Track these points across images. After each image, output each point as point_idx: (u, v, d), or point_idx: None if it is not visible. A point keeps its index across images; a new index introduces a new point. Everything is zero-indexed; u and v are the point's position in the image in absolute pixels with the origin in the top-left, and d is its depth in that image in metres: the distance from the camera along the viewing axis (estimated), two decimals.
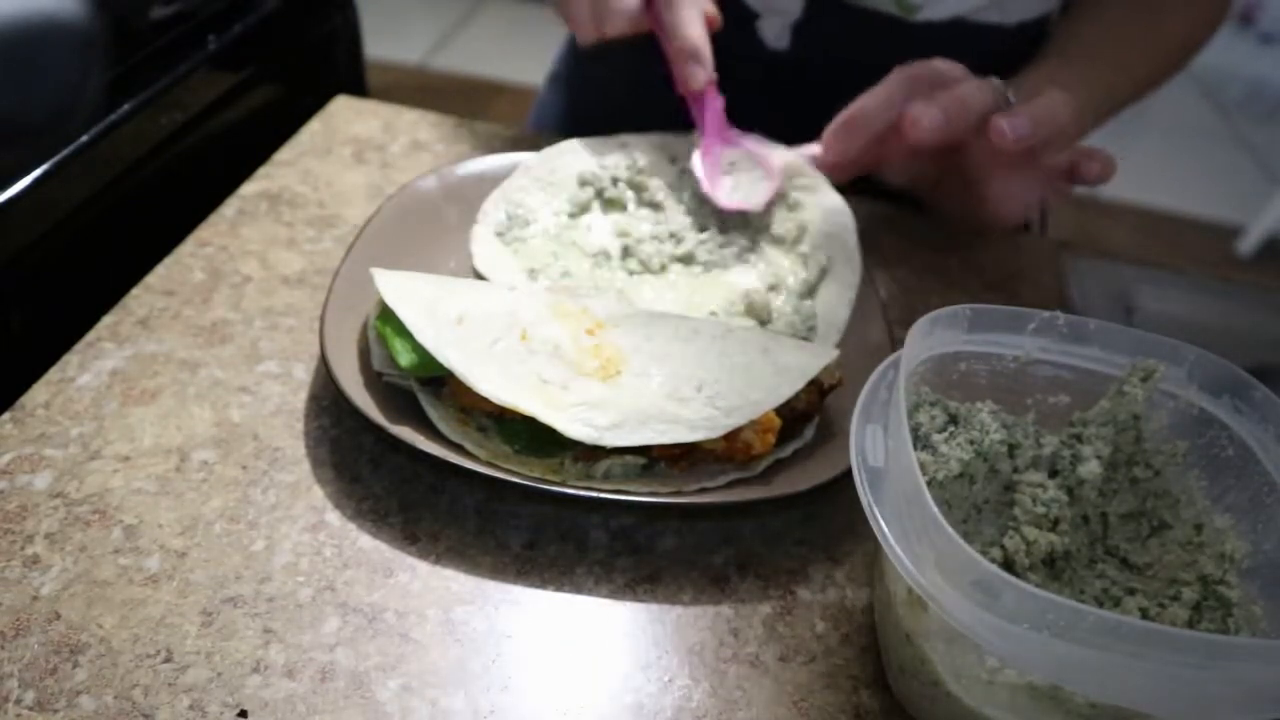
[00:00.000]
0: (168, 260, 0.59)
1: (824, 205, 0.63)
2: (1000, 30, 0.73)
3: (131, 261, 0.58)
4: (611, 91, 0.84)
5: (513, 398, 0.46)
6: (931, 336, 0.42)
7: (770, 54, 0.75)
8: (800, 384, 0.49)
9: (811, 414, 0.51)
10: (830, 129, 0.63)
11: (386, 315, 0.49)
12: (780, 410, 0.48)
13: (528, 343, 0.49)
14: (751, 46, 0.74)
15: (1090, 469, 0.41)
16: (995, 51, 0.69)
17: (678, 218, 0.63)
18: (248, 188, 0.66)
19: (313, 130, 0.72)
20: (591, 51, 0.69)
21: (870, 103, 0.61)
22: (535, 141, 0.73)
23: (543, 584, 0.45)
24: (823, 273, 0.60)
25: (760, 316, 0.58)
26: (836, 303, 0.59)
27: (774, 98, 0.75)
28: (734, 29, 0.70)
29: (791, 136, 0.68)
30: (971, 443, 0.42)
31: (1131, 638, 0.31)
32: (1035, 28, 0.76)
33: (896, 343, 0.55)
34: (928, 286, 0.66)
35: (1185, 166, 2.76)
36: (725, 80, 0.64)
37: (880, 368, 0.42)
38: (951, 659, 0.37)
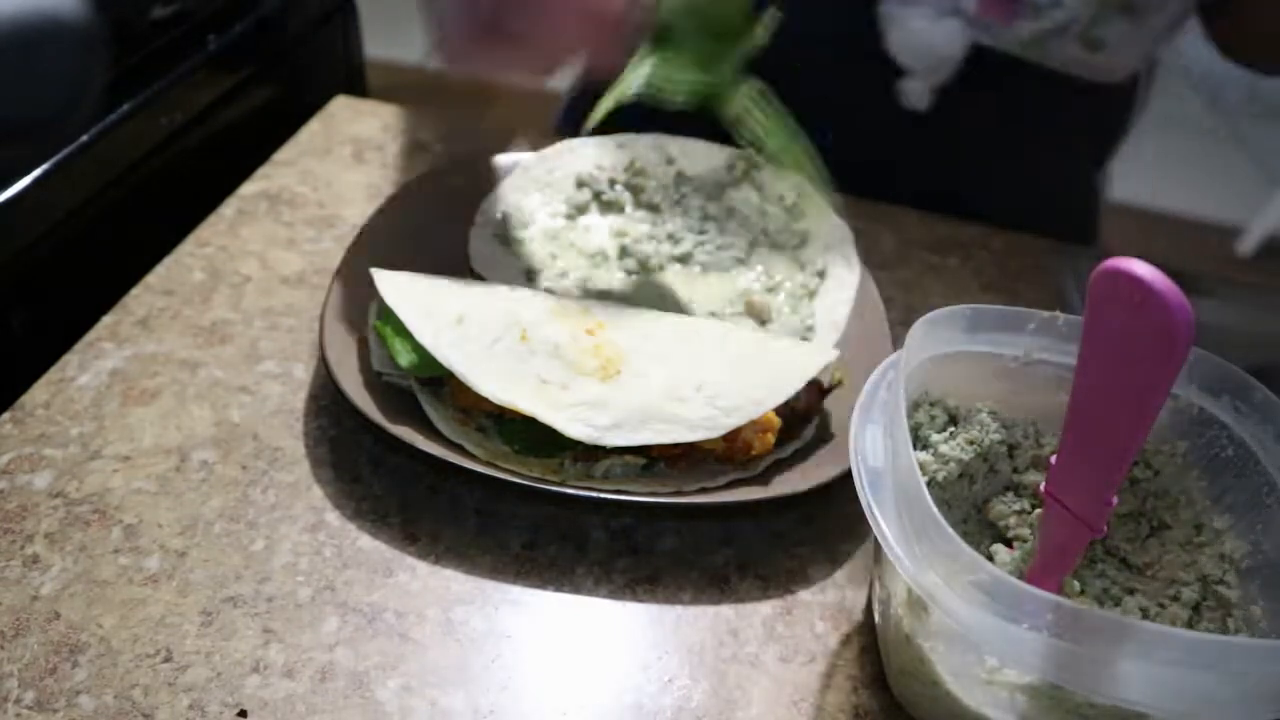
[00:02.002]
0: (168, 260, 0.59)
1: (824, 217, 0.64)
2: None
3: (131, 261, 0.58)
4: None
5: (512, 398, 0.46)
6: (931, 336, 0.42)
7: (905, 114, 0.72)
8: (800, 384, 0.49)
9: (811, 414, 0.51)
10: None
11: (386, 315, 0.49)
12: (780, 410, 0.48)
13: (528, 343, 0.49)
14: (887, 106, 0.72)
15: None
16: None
17: (675, 218, 0.63)
18: (247, 188, 0.66)
19: (312, 130, 0.72)
20: None
21: None
22: (536, 142, 0.73)
23: (542, 584, 0.45)
24: (821, 275, 0.60)
25: (759, 316, 0.58)
26: (836, 303, 0.59)
27: (905, 157, 0.74)
28: (873, 87, 0.69)
29: (920, 197, 0.68)
30: (971, 443, 0.42)
31: (1131, 638, 0.31)
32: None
33: (896, 343, 0.55)
34: (928, 286, 0.66)
35: (1185, 166, 2.76)
36: (855, 138, 0.61)
37: (880, 368, 0.42)
38: (951, 659, 0.37)
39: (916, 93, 0.70)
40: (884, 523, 0.36)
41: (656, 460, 0.48)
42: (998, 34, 0.66)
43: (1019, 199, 0.77)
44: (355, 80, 0.86)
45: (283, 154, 0.69)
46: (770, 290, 0.59)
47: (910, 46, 0.67)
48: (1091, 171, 0.83)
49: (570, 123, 0.89)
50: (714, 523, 0.49)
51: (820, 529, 0.49)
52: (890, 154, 0.73)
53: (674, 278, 0.60)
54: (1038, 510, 0.40)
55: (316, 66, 0.82)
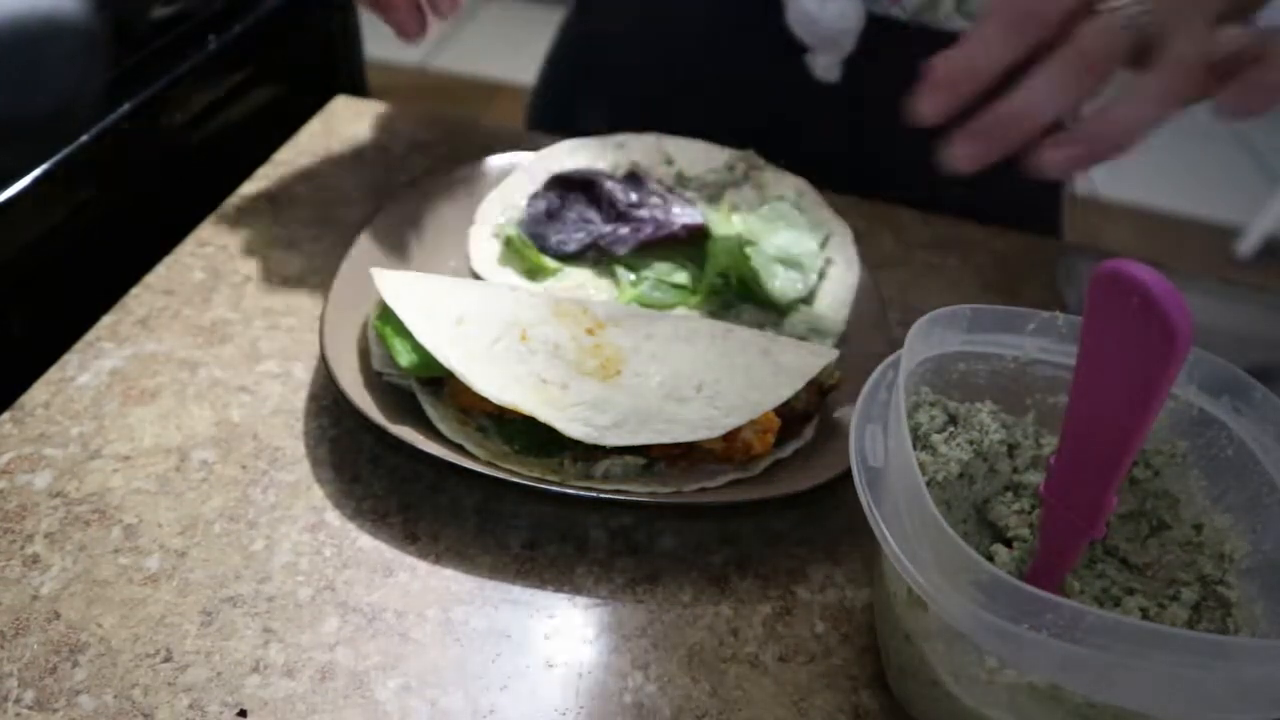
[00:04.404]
0: (168, 260, 0.59)
1: (823, 217, 0.63)
2: None
3: (131, 261, 0.58)
4: (616, 89, 0.83)
5: (513, 398, 0.46)
6: (931, 337, 0.42)
7: (819, 86, 0.72)
8: (800, 384, 0.49)
9: (811, 414, 0.51)
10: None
11: (386, 315, 0.49)
12: (780, 410, 0.48)
13: (528, 343, 0.49)
14: (799, 79, 0.72)
15: None
16: None
17: None
18: (248, 188, 0.66)
19: (313, 130, 0.72)
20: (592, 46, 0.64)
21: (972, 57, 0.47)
22: (535, 142, 0.73)
23: (542, 584, 0.45)
24: (821, 275, 0.60)
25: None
26: (836, 303, 0.59)
27: (821, 130, 0.73)
28: (780, 61, 0.69)
29: (840, 169, 0.67)
30: (971, 443, 0.42)
31: (1131, 638, 0.31)
32: None
33: (896, 343, 0.55)
34: (928, 286, 0.66)
35: (1185, 166, 2.76)
36: (769, 114, 0.61)
37: (880, 368, 0.42)
38: (951, 659, 0.37)
39: (824, 65, 0.70)
40: (884, 523, 0.36)
41: (656, 460, 0.48)
42: (889, 6, 0.67)
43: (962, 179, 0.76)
44: (355, 80, 0.86)
45: (283, 154, 0.69)
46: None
47: (805, 22, 0.67)
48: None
49: (535, 123, 0.89)
50: (714, 522, 0.49)
51: (820, 529, 0.49)
52: (808, 129, 0.72)
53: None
54: (1038, 510, 0.40)
55: (316, 66, 0.82)
